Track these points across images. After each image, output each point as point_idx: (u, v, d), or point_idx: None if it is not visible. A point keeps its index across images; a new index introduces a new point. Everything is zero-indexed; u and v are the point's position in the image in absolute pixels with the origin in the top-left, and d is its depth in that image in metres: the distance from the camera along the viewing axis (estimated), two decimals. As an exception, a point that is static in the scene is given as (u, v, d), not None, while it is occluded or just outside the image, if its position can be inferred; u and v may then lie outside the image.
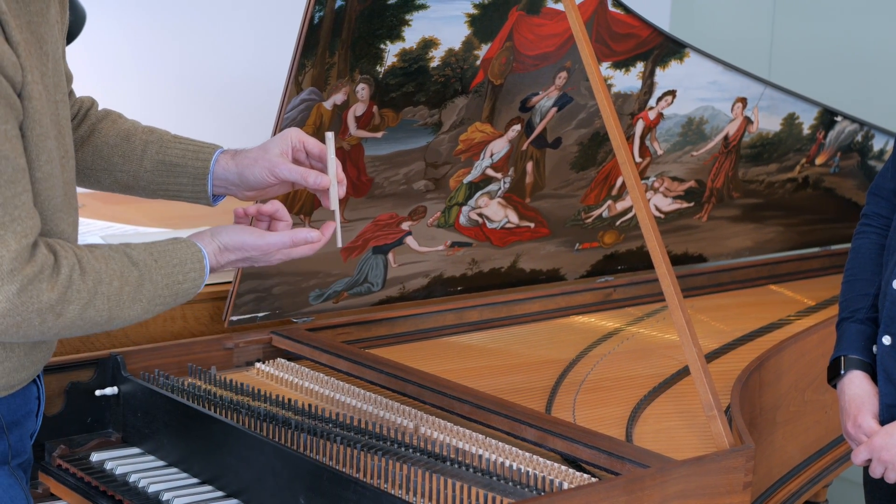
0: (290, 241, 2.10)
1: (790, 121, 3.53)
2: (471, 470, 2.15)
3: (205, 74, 4.08)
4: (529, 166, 3.12)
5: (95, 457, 2.43)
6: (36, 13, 1.92)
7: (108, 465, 2.39)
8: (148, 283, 1.96)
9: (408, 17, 2.67)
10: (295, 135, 2.18)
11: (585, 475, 2.15)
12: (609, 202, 3.35)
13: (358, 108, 2.72)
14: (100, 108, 2.32)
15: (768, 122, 3.49)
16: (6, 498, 2.00)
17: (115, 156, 2.25)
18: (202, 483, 2.31)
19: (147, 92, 3.96)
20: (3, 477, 2.01)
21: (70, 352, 2.72)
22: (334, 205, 2.13)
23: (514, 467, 2.14)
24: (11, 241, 1.81)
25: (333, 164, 2.15)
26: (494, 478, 2.12)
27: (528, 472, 2.12)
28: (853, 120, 3.66)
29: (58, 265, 1.87)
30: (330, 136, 2.15)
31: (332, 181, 2.14)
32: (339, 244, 2.14)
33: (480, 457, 2.18)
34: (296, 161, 2.17)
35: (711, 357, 2.90)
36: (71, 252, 1.90)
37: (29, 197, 1.85)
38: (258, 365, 2.69)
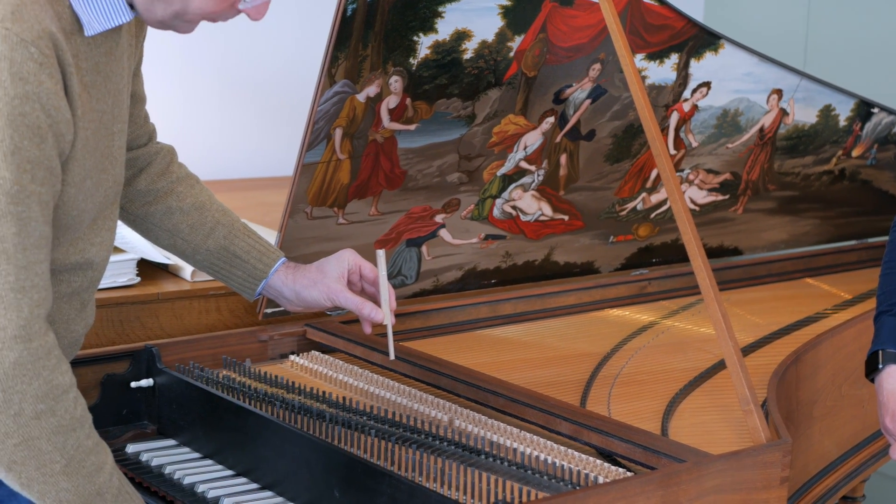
0: None
1: (826, 112, 3.51)
2: (505, 463, 2.14)
3: (243, 66, 4.09)
4: (563, 158, 3.11)
5: (131, 448, 2.44)
6: (105, 52, 1.94)
7: (144, 457, 2.40)
8: (107, 475, 1.89)
9: (441, 9, 2.67)
10: (351, 258, 2.30)
11: (621, 469, 2.14)
12: (643, 194, 3.34)
13: (391, 101, 2.71)
14: (178, 158, 2.37)
15: (804, 114, 3.47)
16: None
17: (183, 223, 2.31)
18: (236, 475, 2.31)
19: (186, 84, 3.97)
20: None
21: (105, 343, 2.74)
22: (387, 319, 2.27)
23: (549, 461, 2.13)
24: (24, 308, 1.76)
25: (385, 280, 2.28)
26: (529, 471, 2.11)
27: (562, 465, 2.11)
28: (890, 111, 3.63)
29: (64, 367, 1.82)
30: (381, 253, 2.28)
31: (384, 296, 2.28)
32: (392, 357, 2.31)
33: (515, 450, 2.17)
34: (349, 282, 2.30)
35: (747, 351, 2.88)
36: (72, 375, 1.86)
37: (47, 268, 1.82)
38: (292, 357, 2.69)
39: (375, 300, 2.30)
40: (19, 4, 1.75)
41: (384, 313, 2.28)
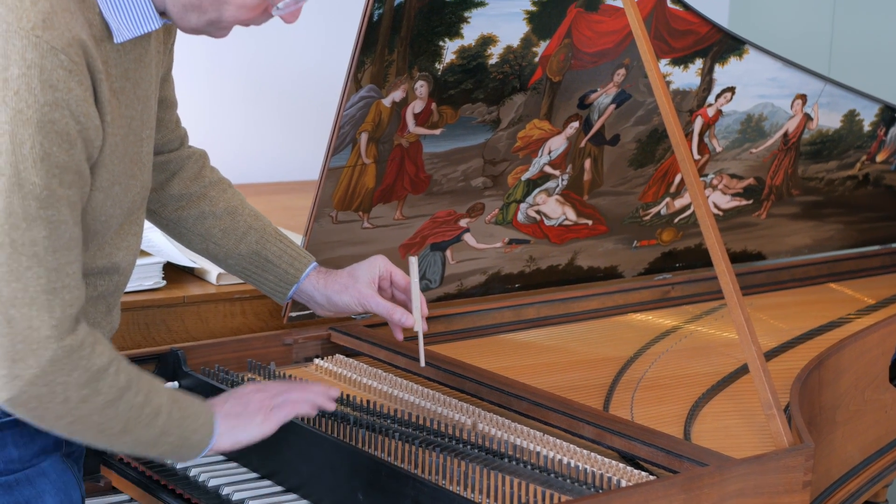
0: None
1: (850, 117, 3.51)
2: (528, 467, 2.15)
3: (269, 71, 4.11)
4: (587, 163, 3.12)
5: (156, 451, 2.46)
6: (135, 59, 1.96)
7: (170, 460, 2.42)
8: (165, 415, 1.95)
9: (466, 14, 2.68)
10: (383, 264, 2.32)
11: (643, 473, 2.14)
12: (667, 199, 3.34)
13: (416, 105, 2.72)
14: (210, 161, 2.39)
15: (828, 119, 3.46)
16: (60, 481, 2.05)
17: (216, 228, 2.33)
18: (261, 478, 2.33)
19: (212, 88, 4.00)
20: (57, 462, 2.06)
21: (131, 346, 2.75)
22: (418, 326, 2.28)
23: (572, 464, 2.14)
24: (56, 309, 1.80)
25: (417, 287, 2.29)
26: (552, 475, 2.12)
27: (585, 469, 2.12)
28: (915, 117, 3.64)
29: (99, 350, 1.86)
30: (413, 260, 2.30)
31: (415, 303, 2.29)
32: (422, 364, 2.32)
33: (538, 454, 2.18)
34: (380, 289, 2.31)
35: (770, 355, 2.88)
36: (111, 347, 1.91)
37: (79, 267, 1.85)
38: (317, 361, 2.70)
39: (406, 307, 2.32)
40: (50, 12, 1.77)
41: (415, 319, 2.29)
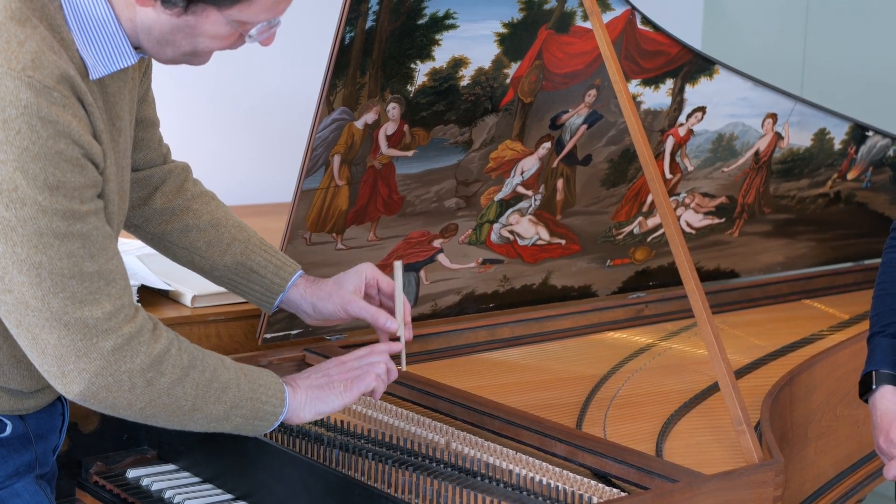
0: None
1: (821, 136, 3.53)
2: (501, 485, 2.16)
3: (241, 93, 4.11)
4: (560, 183, 3.14)
5: (131, 473, 2.46)
6: (113, 94, 2.01)
7: (144, 482, 2.42)
8: (234, 388, 2.02)
9: (438, 36, 2.70)
10: (369, 271, 2.34)
11: (615, 490, 2.16)
12: (640, 218, 3.36)
13: (389, 127, 2.74)
14: (193, 174, 2.42)
15: (799, 138, 3.49)
16: (33, 502, 2.07)
17: (200, 240, 2.36)
18: (236, 499, 2.34)
19: (183, 110, 4.00)
20: (30, 484, 2.09)
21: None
22: (401, 331, 2.29)
23: (544, 482, 2.16)
24: (106, 304, 1.88)
25: (401, 292, 2.30)
26: (524, 493, 2.14)
27: (557, 486, 2.14)
28: (885, 135, 3.66)
29: (157, 333, 1.95)
30: (398, 265, 2.30)
31: (399, 308, 2.30)
32: (403, 367, 2.30)
33: (511, 472, 2.20)
34: (367, 296, 2.33)
35: (744, 372, 2.90)
36: (169, 330, 1.98)
37: (120, 259, 1.93)
38: (291, 382, 2.71)
39: (393, 313, 2.32)
40: (38, 52, 1.82)
41: (398, 324, 2.29)
